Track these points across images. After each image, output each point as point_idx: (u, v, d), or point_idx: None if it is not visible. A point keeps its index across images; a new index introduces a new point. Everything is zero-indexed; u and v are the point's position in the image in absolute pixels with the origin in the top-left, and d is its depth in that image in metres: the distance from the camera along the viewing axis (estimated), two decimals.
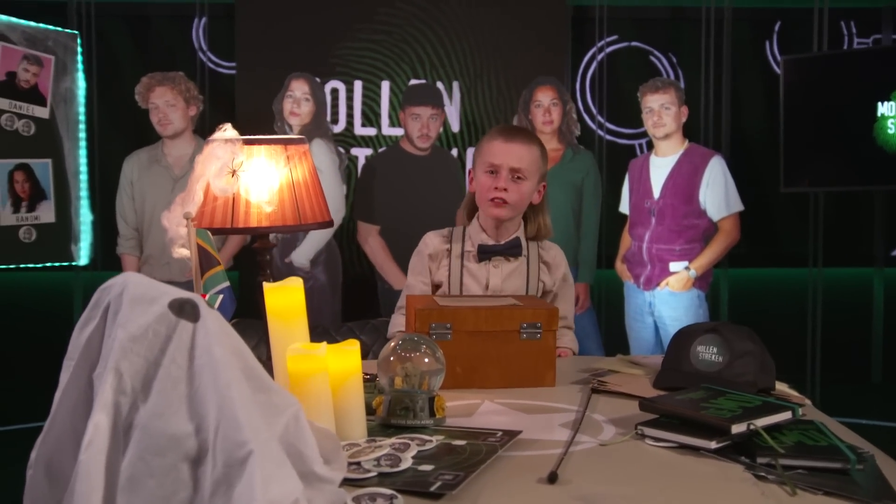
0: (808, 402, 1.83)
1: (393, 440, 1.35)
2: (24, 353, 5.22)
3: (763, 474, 1.27)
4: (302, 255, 4.08)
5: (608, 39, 4.97)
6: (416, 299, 1.89)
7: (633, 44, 5.22)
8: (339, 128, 4.54)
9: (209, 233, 1.61)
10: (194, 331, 1.15)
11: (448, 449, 1.34)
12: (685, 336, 1.84)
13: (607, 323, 4.51)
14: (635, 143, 4.94)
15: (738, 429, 1.35)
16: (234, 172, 1.68)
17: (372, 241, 4.19)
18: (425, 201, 4.07)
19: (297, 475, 1.15)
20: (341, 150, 4.38)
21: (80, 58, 3.85)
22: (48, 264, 3.72)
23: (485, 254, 2.21)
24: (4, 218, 3.59)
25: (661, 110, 3.95)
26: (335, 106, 4.54)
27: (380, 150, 4.48)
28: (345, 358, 1.38)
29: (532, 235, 2.28)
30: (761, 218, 5.03)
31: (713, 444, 1.35)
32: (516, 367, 1.79)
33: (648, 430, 1.44)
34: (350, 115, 4.56)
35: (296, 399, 1.23)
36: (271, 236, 4.08)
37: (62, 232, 3.78)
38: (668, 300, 3.97)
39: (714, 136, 4.82)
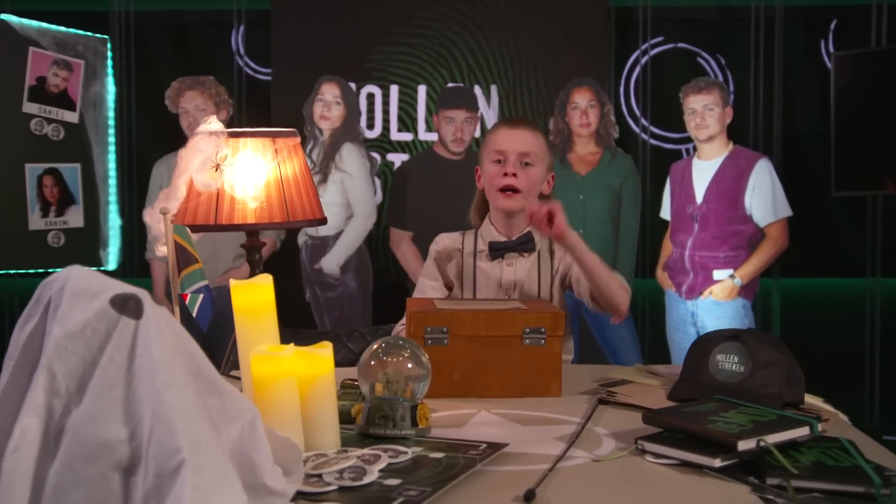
0: (843, 417, 1.67)
1: (364, 451, 1.24)
2: None
3: (771, 497, 1.13)
4: (332, 261, 4.01)
5: (654, 41, 4.81)
6: (413, 302, 1.78)
7: (680, 45, 5.04)
8: (374, 133, 4.45)
9: (188, 229, 1.52)
10: (136, 328, 1.06)
11: (422, 462, 1.23)
12: (704, 344, 1.69)
13: (647, 333, 4.33)
14: (682, 147, 4.76)
15: (745, 445, 1.21)
16: (217, 166, 1.60)
17: (404, 248, 4.10)
18: (459, 207, 3.96)
19: (241, 488, 1.05)
20: (376, 155, 4.31)
21: (109, 62, 3.85)
22: None
23: (497, 251, 2.14)
24: (33, 222, 3.59)
25: (705, 111, 3.80)
26: (371, 111, 4.46)
27: (413, 155, 4.38)
28: (315, 361, 1.28)
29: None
30: (817, 224, 4.79)
31: (717, 462, 1.21)
32: (518, 375, 1.67)
33: (649, 445, 1.30)
34: (386, 121, 4.47)
35: (253, 405, 1.13)
36: (299, 240, 4.06)
37: (91, 237, 3.77)
38: (711, 310, 3.80)
39: (765, 140, 4.61)
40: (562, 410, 1.58)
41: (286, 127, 4.25)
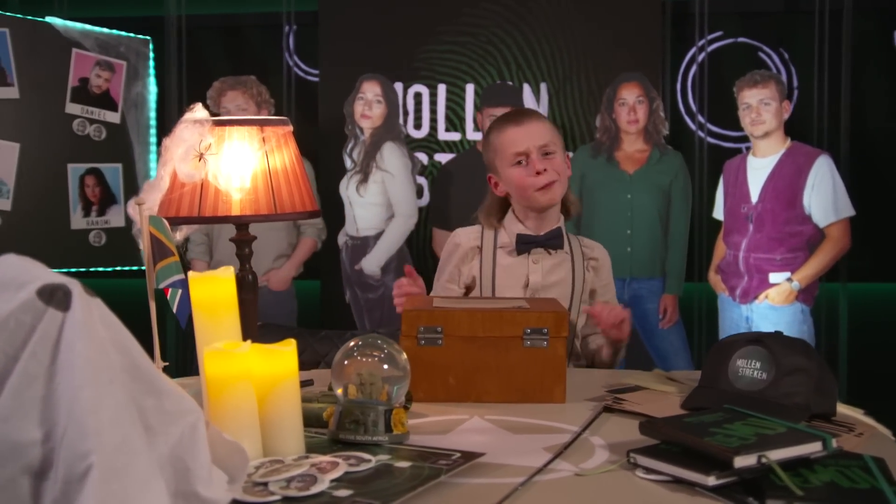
0: (885, 431, 1.50)
1: (321, 458, 1.15)
2: None
3: None
4: (372, 261, 3.94)
5: (712, 36, 4.62)
6: (409, 300, 1.68)
7: (740, 40, 4.82)
8: (422, 133, 4.37)
9: (164, 221, 1.46)
10: (63, 321, 0.98)
11: (384, 472, 1.12)
12: (724, 348, 1.55)
13: (699, 339, 4.14)
14: (742, 145, 4.55)
15: (743, 461, 1.07)
16: (200, 156, 1.52)
17: None
18: None
19: (167, 495, 0.96)
20: (424, 155, 4.23)
21: (151, 63, 3.86)
22: (118, 268, 3.73)
23: (525, 245, 2.03)
24: (75, 222, 3.62)
25: (760, 106, 3.60)
26: (419, 111, 4.38)
27: (456, 155, 4.28)
28: (276, 360, 1.19)
29: (566, 213, 2.12)
30: (887, 225, 4.52)
31: (711, 480, 1.07)
32: (519, 380, 1.55)
33: (641, 459, 1.17)
34: (433, 120, 4.39)
35: (196, 406, 1.05)
36: (340, 241, 4.00)
37: (132, 236, 3.77)
38: (767, 315, 3.59)
39: (830, 137, 4.37)
40: (562, 418, 1.45)
41: (332, 127, 4.22)
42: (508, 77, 4.34)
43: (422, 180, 4.29)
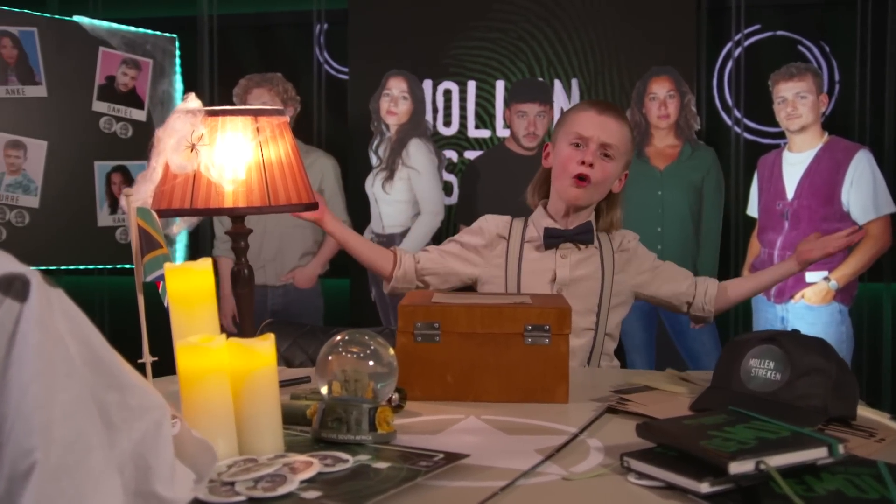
0: None
1: (296, 458, 1.10)
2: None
3: None
4: None
5: (749, 30, 4.49)
6: (410, 295, 1.63)
7: (779, 33, 4.68)
8: (451, 130, 4.32)
9: (153, 213, 1.42)
10: (20, 313, 0.95)
11: (359, 473, 1.07)
12: (737, 347, 1.46)
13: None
14: (781, 142, 4.42)
15: (739, 468, 0.99)
16: (192, 147, 1.49)
17: None
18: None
19: (121, 494, 0.92)
20: (454, 152, 4.18)
21: (178, 60, 3.86)
22: None
23: (552, 239, 1.97)
24: (102, 219, 3.64)
25: (796, 100, 3.49)
26: (448, 108, 4.32)
27: (484, 152, 4.22)
28: (253, 355, 1.14)
29: (602, 230, 2.06)
30: None
31: (705, 487, 1.00)
32: (520, 378, 1.48)
33: (635, 463, 1.10)
34: (463, 117, 4.33)
35: (162, 402, 1.01)
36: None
37: None
38: (804, 315, 3.47)
39: (873, 131, 4.22)
40: (563, 419, 1.39)
41: (361, 124, 4.18)
42: (539, 73, 4.26)
43: (451, 178, 4.24)
